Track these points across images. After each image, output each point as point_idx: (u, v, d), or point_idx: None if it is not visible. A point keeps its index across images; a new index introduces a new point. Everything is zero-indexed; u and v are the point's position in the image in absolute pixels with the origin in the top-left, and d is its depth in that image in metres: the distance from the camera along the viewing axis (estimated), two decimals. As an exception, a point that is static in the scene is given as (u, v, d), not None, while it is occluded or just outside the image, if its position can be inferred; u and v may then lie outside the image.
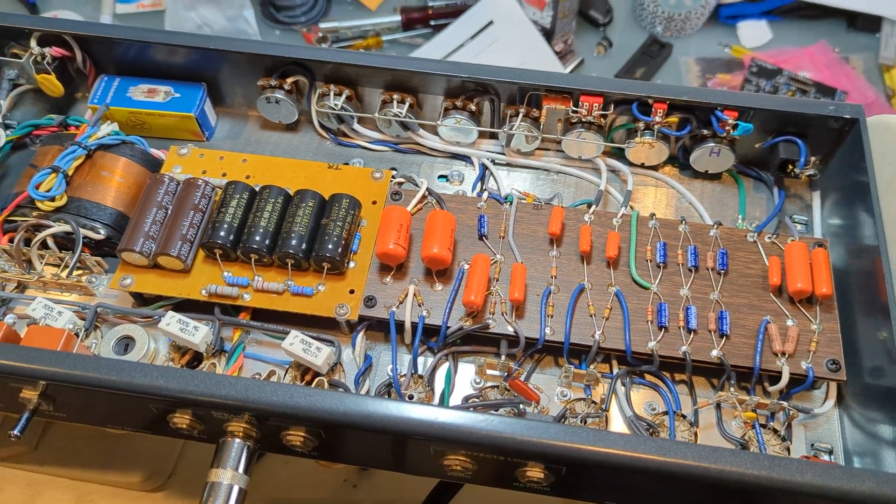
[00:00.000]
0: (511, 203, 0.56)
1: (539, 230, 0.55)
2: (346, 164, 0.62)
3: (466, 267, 0.53)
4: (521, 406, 0.47)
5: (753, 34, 1.04)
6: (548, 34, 0.99)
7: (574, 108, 0.57)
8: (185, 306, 0.54)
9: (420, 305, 0.52)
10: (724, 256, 0.53)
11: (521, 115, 0.58)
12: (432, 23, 1.04)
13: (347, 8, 1.09)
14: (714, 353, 0.50)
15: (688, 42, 1.04)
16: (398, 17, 1.05)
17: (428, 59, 0.58)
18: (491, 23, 0.99)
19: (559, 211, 0.54)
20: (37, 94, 0.66)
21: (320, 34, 1.02)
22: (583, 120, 0.58)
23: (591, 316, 0.51)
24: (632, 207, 0.58)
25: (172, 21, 1.05)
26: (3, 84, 0.62)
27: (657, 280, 0.53)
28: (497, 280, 0.53)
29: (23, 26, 0.60)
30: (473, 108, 0.59)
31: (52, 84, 0.61)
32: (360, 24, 1.06)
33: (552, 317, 0.51)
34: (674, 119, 0.56)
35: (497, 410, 0.47)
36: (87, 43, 0.61)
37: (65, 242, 0.56)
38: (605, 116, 0.57)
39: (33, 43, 0.60)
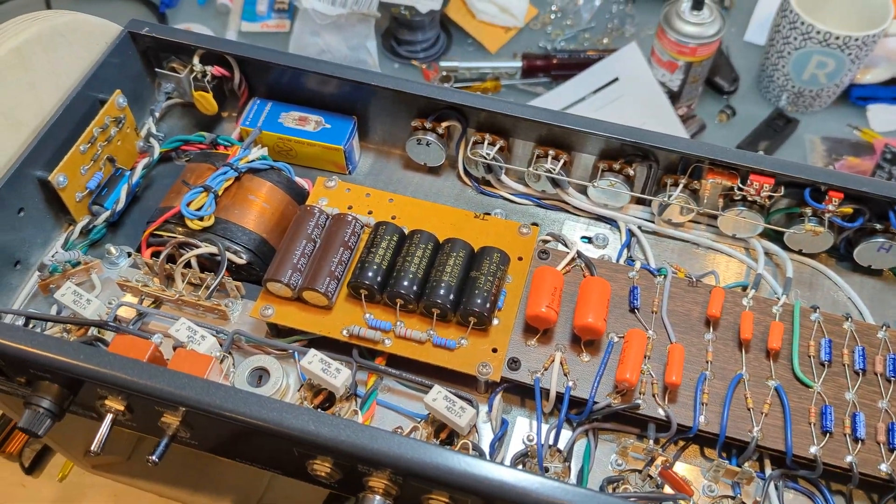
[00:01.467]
0: (665, 277, 0.53)
1: (694, 309, 0.52)
2: (488, 214, 0.61)
3: (616, 339, 0.51)
4: (676, 502, 0.45)
5: (885, 118, 1.01)
6: (673, 97, 0.97)
7: (740, 186, 0.55)
8: (319, 342, 0.53)
9: (566, 375, 0.50)
10: (896, 363, 0.50)
11: (680, 186, 0.56)
12: (553, 72, 1.03)
13: (468, 49, 1.09)
14: (883, 467, 0.46)
15: (814, 119, 1.01)
16: (518, 63, 1.04)
17: (590, 118, 0.56)
18: (616, 79, 0.98)
19: (719, 292, 0.52)
20: (184, 109, 0.66)
21: (443, 73, 1.02)
22: (747, 198, 0.55)
23: (749, 409, 0.48)
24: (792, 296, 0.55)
25: (297, 44, 1.06)
26: (159, 96, 0.63)
27: (821, 379, 0.49)
28: (648, 358, 0.50)
29: (189, 42, 0.60)
30: (631, 172, 0.57)
31: (207, 102, 0.62)
32: (480, 66, 1.06)
33: (706, 405, 0.48)
34: (847, 210, 0.54)
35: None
36: (245, 65, 0.62)
37: (205, 262, 0.55)
38: (771, 197, 0.55)
39: (196, 60, 0.61)
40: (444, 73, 1.01)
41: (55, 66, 0.56)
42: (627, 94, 0.97)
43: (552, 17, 1.12)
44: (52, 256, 0.54)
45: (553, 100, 0.99)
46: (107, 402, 0.46)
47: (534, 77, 1.04)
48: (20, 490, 0.74)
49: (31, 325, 0.52)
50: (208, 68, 0.61)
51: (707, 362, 0.50)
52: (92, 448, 0.45)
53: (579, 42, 1.09)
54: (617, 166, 0.57)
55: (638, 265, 0.54)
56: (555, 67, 1.02)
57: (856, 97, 1.02)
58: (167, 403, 0.44)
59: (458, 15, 1.11)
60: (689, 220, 0.59)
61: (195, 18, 1.12)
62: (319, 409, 0.50)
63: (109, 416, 0.46)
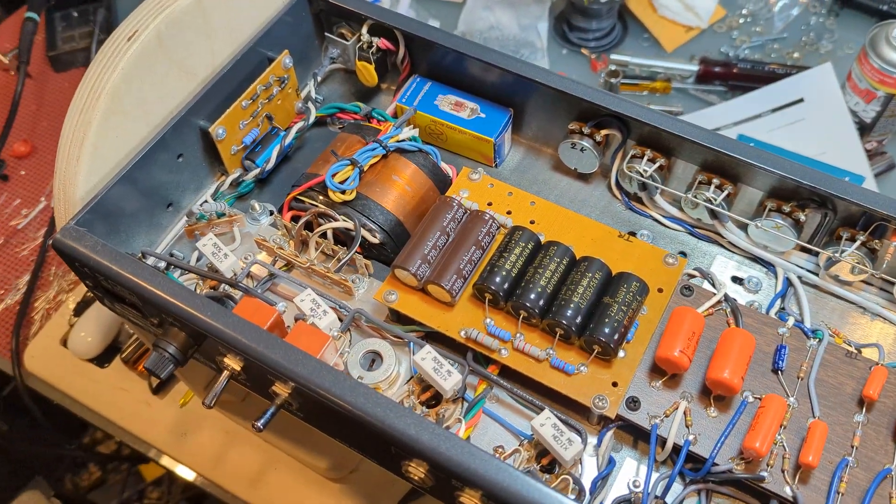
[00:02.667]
0: (820, 340, 0.48)
1: (847, 384, 0.47)
2: (633, 234, 0.57)
3: (751, 399, 0.47)
4: None
5: None
6: (863, 129, 0.87)
7: (932, 256, 0.48)
8: (435, 336, 0.52)
9: (688, 427, 0.46)
10: None
11: (857, 243, 0.50)
12: (731, 82, 0.96)
13: (642, 44, 1.03)
14: None
15: None
16: (695, 67, 0.97)
17: (767, 152, 0.51)
18: (801, 100, 0.89)
19: (881, 372, 0.46)
20: (345, 75, 0.66)
21: (612, 67, 0.97)
22: (936, 271, 0.48)
23: (892, 511, 0.43)
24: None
25: (468, 17, 1.04)
26: (324, 61, 0.63)
27: None
28: (784, 427, 0.45)
29: (360, 11, 0.60)
30: (803, 218, 0.51)
31: (369, 74, 0.61)
32: (652, 65, 1.00)
33: (842, 494, 0.43)
34: None
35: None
36: (411, 41, 0.61)
37: (340, 235, 0.55)
38: (966, 275, 0.48)
39: (364, 30, 0.60)
40: (613, 68, 0.96)
41: (232, 20, 0.57)
42: (810, 118, 0.88)
43: (740, 21, 1.04)
44: (201, 205, 0.56)
45: (726, 112, 0.92)
46: (226, 359, 0.47)
47: (709, 84, 0.97)
48: (145, 408, 0.79)
49: (171, 267, 0.55)
50: (375, 40, 0.60)
51: (852, 447, 0.45)
52: (205, 401, 0.47)
53: (766, 52, 1.00)
54: (787, 208, 0.52)
55: (791, 321, 0.49)
56: (734, 77, 0.95)
57: None
58: (278, 375, 0.44)
59: (638, 7, 1.05)
60: (860, 281, 0.52)
61: (373, -22, 1.13)
62: (424, 407, 0.49)
63: (225, 373, 0.47)
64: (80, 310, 0.85)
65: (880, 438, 0.45)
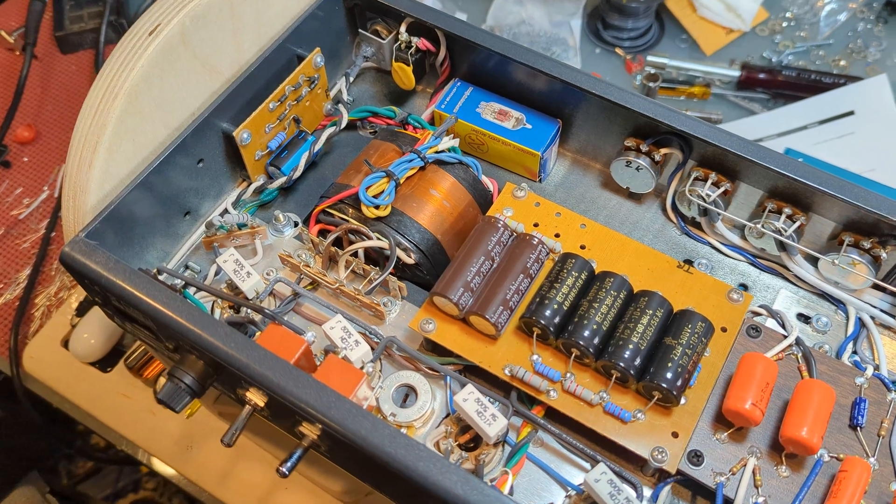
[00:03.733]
0: (902, 394, 0.44)
1: (932, 444, 0.42)
2: (690, 262, 0.53)
3: (827, 458, 0.42)
4: None
5: None
6: (917, 146, 0.83)
7: None
8: (474, 369, 0.47)
9: (757, 487, 0.42)
10: None
11: (945, 287, 0.45)
12: (774, 90, 0.91)
13: (680, 45, 0.98)
14: None
15: None
16: (737, 73, 0.92)
17: (846, 181, 0.46)
18: (851, 112, 0.85)
19: (975, 435, 0.41)
20: (377, 74, 0.62)
21: (649, 69, 0.92)
22: None
23: None
24: None
25: (498, 11, 0.99)
26: (357, 60, 0.58)
27: None
28: (866, 493, 0.41)
29: (400, 8, 0.55)
30: (884, 255, 0.47)
31: (405, 76, 0.56)
32: (690, 68, 0.95)
33: (930, 572, 0.39)
34: None
35: None
36: (453, 41, 0.56)
37: (371, 253, 0.51)
38: None
39: (402, 28, 0.56)
40: (652, 71, 0.91)
41: (261, 14, 0.52)
42: (861, 131, 0.84)
43: (784, 24, 0.99)
44: (222, 216, 0.51)
45: (771, 121, 0.87)
46: (248, 393, 0.43)
47: (751, 91, 0.92)
48: (149, 417, 0.75)
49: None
50: (414, 40, 0.55)
51: (939, 517, 0.41)
52: (224, 438, 0.42)
53: (810, 59, 0.95)
54: (867, 244, 0.47)
55: (869, 371, 0.45)
56: (778, 85, 0.90)
57: None
58: (307, 416, 0.40)
59: (676, 6, 1.00)
60: (941, 325, 0.48)
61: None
62: (462, 451, 0.45)
63: (248, 408, 0.43)
64: (82, 309, 0.80)
65: (970, 508, 0.41)
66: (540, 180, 0.57)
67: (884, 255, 0.47)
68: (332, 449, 0.43)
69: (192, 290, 0.50)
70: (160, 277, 0.48)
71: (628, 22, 0.96)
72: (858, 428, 0.43)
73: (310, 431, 0.41)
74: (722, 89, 0.93)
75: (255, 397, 0.42)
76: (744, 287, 0.52)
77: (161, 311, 0.42)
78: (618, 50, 0.97)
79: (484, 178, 0.54)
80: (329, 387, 0.40)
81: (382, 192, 0.50)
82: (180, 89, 0.48)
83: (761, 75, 0.90)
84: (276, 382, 0.40)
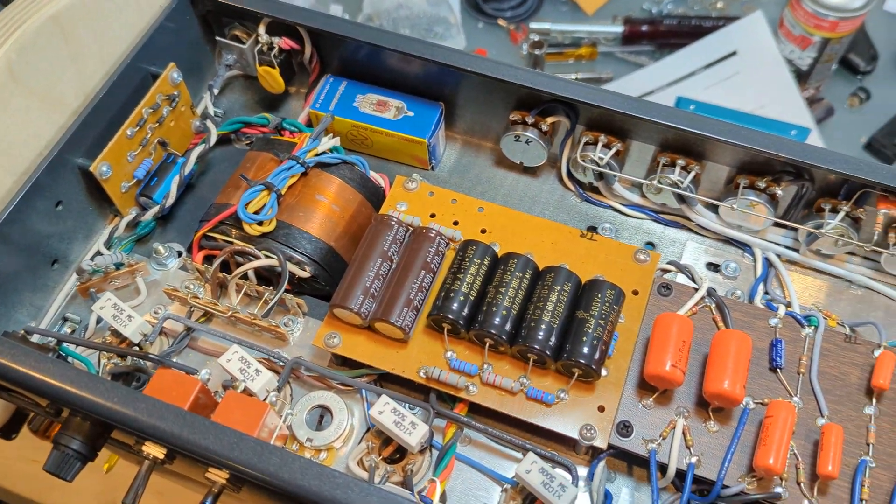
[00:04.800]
0: (815, 328, 0.43)
1: (851, 372, 0.42)
2: (594, 228, 0.52)
3: (752, 405, 0.42)
4: None
5: None
6: (800, 77, 0.84)
7: (923, 221, 0.44)
8: (390, 376, 0.45)
9: (689, 448, 0.41)
10: None
11: (841, 214, 0.45)
12: (659, 41, 0.91)
13: (561, 9, 0.97)
14: None
15: (966, 108, 0.87)
16: (619, 28, 0.92)
17: (735, 125, 0.45)
18: (734, 53, 0.85)
19: (890, 358, 0.41)
20: (246, 83, 0.58)
21: (533, 37, 0.91)
22: (928, 236, 0.44)
23: (922, 513, 0.39)
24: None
25: (373, -2, 0.96)
26: (219, 70, 0.54)
27: None
28: (794, 433, 0.41)
29: (255, 9, 0.51)
30: (779, 192, 0.47)
31: (273, 79, 0.53)
32: (574, 30, 0.94)
33: (866, 502, 0.39)
34: None
35: None
36: (318, 37, 0.53)
37: (264, 273, 0.48)
38: (959, 237, 0.44)
39: (262, 30, 0.52)
40: (537, 38, 0.89)
41: (101, 35, 0.48)
42: (745, 70, 0.84)
43: (660, -26, 0.99)
44: (92, 260, 0.47)
45: (655, 74, 0.87)
46: (145, 447, 0.39)
47: (636, 45, 0.92)
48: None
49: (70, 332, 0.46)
50: (275, 40, 0.52)
51: (868, 445, 0.40)
52: (126, 500, 0.39)
53: (689, 5, 0.95)
54: (762, 184, 0.47)
55: (782, 310, 0.44)
56: (661, 35, 0.90)
57: None
58: (211, 462, 0.37)
59: (552, -31, 0.99)
60: (843, 252, 0.48)
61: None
62: (388, 465, 0.42)
63: (147, 463, 0.39)
64: (-25, 377, 0.74)
65: (896, 431, 0.41)
66: (432, 168, 0.54)
67: (779, 191, 0.47)
68: (247, 489, 0.40)
69: (72, 346, 0.46)
70: (31, 339, 0.44)
71: (506, -9, 0.95)
72: (779, 369, 0.43)
73: (218, 476, 0.38)
74: (608, 47, 0.93)
75: (153, 450, 0.39)
76: (651, 245, 0.51)
77: (29, 376, 0.38)
78: (500, 21, 0.96)
79: (373, 175, 0.52)
80: (229, 426, 0.37)
81: (264, 206, 0.47)
82: (20, 130, 0.44)
83: (644, 27, 0.90)
84: (168, 432, 0.37)
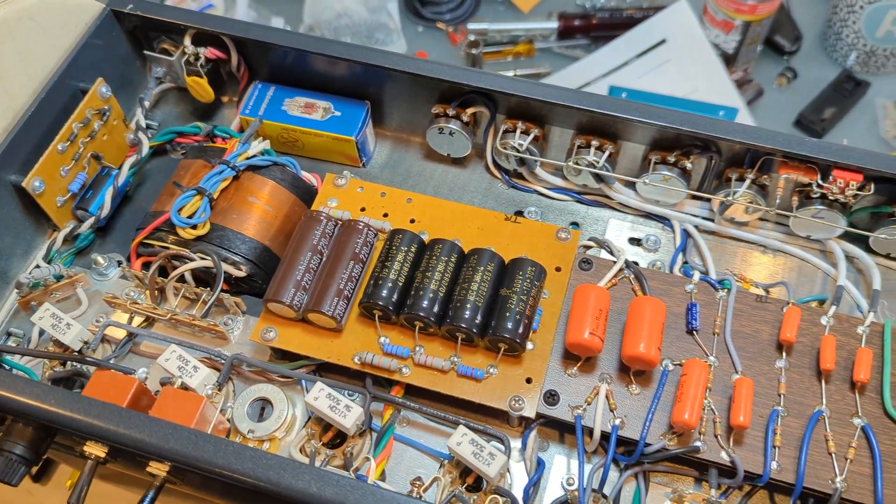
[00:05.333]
0: (728, 291, 0.46)
1: (763, 330, 0.45)
2: (521, 212, 0.54)
3: (671, 367, 0.44)
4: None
5: (969, 79, 0.90)
6: (728, 60, 0.87)
7: (820, 183, 0.46)
8: (329, 366, 0.46)
9: (612, 411, 0.43)
10: None
11: (747, 182, 0.48)
12: (593, 34, 0.94)
13: (498, 8, 1.00)
14: None
15: (887, 81, 0.90)
16: (555, 24, 0.95)
17: (640, 104, 0.48)
18: (663, 41, 0.88)
19: (795, 313, 0.44)
20: (180, 93, 0.59)
21: (470, 37, 0.93)
22: (828, 196, 0.47)
23: (831, 454, 0.41)
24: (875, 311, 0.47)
25: (312, 8, 0.98)
26: (149, 82, 0.56)
27: (917, 417, 0.42)
28: (710, 389, 0.43)
29: (178, 21, 0.53)
30: (689, 165, 0.49)
31: (202, 89, 0.55)
32: (511, 28, 0.96)
33: (779, 448, 0.41)
34: (951, 210, 0.45)
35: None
36: (243, 45, 0.54)
37: (201, 275, 0.49)
38: (856, 196, 0.46)
39: (187, 41, 0.54)
40: (473, 38, 0.92)
41: (26, 54, 0.49)
42: (676, 57, 0.87)
43: (591, -30, 1.02)
44: (30, 273, 0.48)
45: (592, 65, 0.89)
46: (86, 447, 0.40)
47: (571, 39, 0.95)
48: (28, 498, 0.71)
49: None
50: (201, 50, 0.54)
51: (779, 395, 0.43)
52: (71, 500, 0.40)
53: (621, -2, 0.98)
54: (672, 158, 0.49)
55: (696, 276, 0.47)
56: (594, 28, 0.93)
57: (935, 55, 0.91)
58: (149, 455, 0.38)
59: (487, -29, 1.01)
60: (756, 219, 0.51)
61: (204, -18, 1.04)
62: (328, 449, 0.44)
63: (90, 463, 0.40)
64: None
65: (805, 380, 0.43)
66: (363, 165, 0.56)
67: (689, 165, 0.49)
68: (188, 482, 0.41)
69: (16, 357, 0.47)
70: (-28, 351, 0.45)
71: (443, -5, 0.97)
72: (695, 332, 0.45)
73: (159, 469, 0.39)
74: (545, 43, 0.96)
75: (94, 449, 0.40)
76: (575, 225, 0.53)
77: (-32, 386, 0.39)
78: (440, 24, 0.98)
79: (306, 175, 0.53)
80: (166, 419, 0.38)
81: (196, 210, 0.48)
82: (-51, 150, 0.45)
83: (577, 22, 0.93)
84: (106, 429, 0.38)
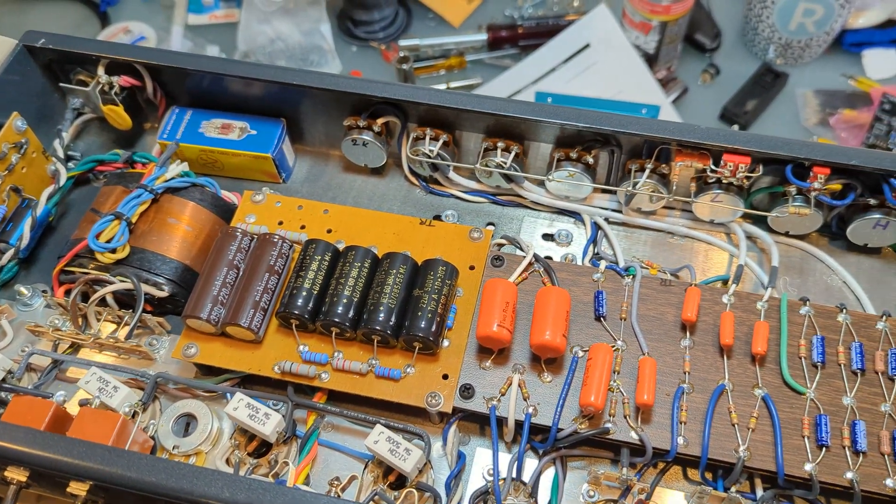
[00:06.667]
0: (634, 277, 0.48)
1: (668, 312, 0.46)
2: (439, 216, 0.55)
3: (581, 354, 0.45)
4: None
5: (881, 65, 0.93)
6: (650, 60, 0.90)
7: (713, 168, 0.48)
8: (253, 378, 0.47)
9: (525, 399, 0.44)
10: (899, 359, 0.44)
11: (647, 172, 0.50)
12: (521, 43, 0.96)
13: (429, 24, 1.02)
14: (889, 482, 0.41)
15: (805, 72, 0.94)
16: (484, 36, 0.97)
17: (541, 104, 0.50)
18: (587, 46, 0.91)
19: (695, 293, 0.46)
20: (102, 123, 0.60)
21: (401, 53, 0.95)
22: (722, 181, 0.49)
23: (734, 425, 0.43)
24: (775, 287, 0.49)
25: (245, 34, 0.99)
26: (66, 113, 0.57)
27: (814, 384, 0.44)
28: (618, 373, 0.44)
29: (90, 52, 0.54)
30: (591, 160, 0.51)
31: (119, 117, 0.56)
32: (443, 43, 0.99)
33: (685, 423, 0.43)
34: (836, 186, 0.47)
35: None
36: (158, 72, 0.55)
37: (125, 298, 0.50)
38: (749, 178, 0.48)
39: (101, 71, 0.55)
40: (402, 55, 0.94)
41: (-64, 92, 0.50)
42: (601, 60, 0.90)
43: (517, -19, 1.04)
44: (-50, 308, 0.49)
45: (521, 73, 0.92)
46: (7, 472, 0.41)
47: (501, 49, 0.97)
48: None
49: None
50: (115, 79, 0.55)
51: (685, 373, 0.44)
52: (-6, 527, 0.40)
53: (548, 7, 1.01)
54: (574, 154, 0.51)
55: (603, 265, 0.48)
56: (522, 37, 0.95)
57: (849, 43, 0.94)
58: (68, 475, 0.38)
59: (416, -12, 1.04)
60: (662, 208, 0.53)
61: (139, 15, 1.05)
62: (252, 458, 0.45)
63: (13, 488, 0.41)
64: None
65: (709, 357, 0.45)
66: (284, 181, 0.57)
67: (591, 159, 0.51)
68: (111, 500, 0.41)
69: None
70: None
71: (374, 14, 0.99)
72: (602, 318, 0.46)
73: (79, 490, 0.40)
74: (476, 55, 0.98)
75: (16, 474, 0.40)
76: (492, 225, 0.55)
77: None
78: (373, 43, 1.00)
79: (226, 194, 0.54)
80: (83, 438, 0.39)
81: (114, 235, 0.49)
82: None
83: (503, 32, 0.96)
84: (22, 451, 0.38)
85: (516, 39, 0.96)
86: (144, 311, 0.49)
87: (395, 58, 0.97)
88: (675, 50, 0.91)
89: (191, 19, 1.04)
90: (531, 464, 0.45)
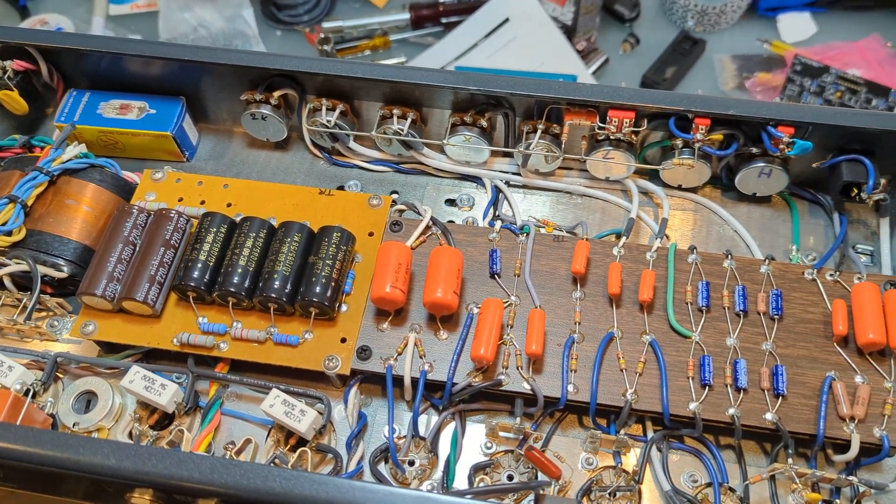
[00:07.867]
0: (528, 234, 0.49)
1: (560, 267, 0.48)
2: (342, 187, 0.55)
3: (476, 311, 0.46)
4: (541, 489, 0.40)
5: (796, 28, 0.95)
6: (569, 32, 0.91)
7: (601, 125, 0.49)
8: (157, 353, 0.47)
9: (422, 357, 0.45)
10: (779, 299, 0.45)
11: (539, 132, 0.51)
12: (443, 20, 0.97)
13: (353, 6, 1.02)
14: (768, 416, 0.42)
15: (722, 38, 0.95)
16: (407, 15, 0.97)
17: (431, 69, 0.51)
18: (507, 20, 0.92)
19: (584, 246, 0.47)
20: (2, 111, 0.59)
21: (322, 35, 0.95)
22: (611, 137, 0.50)
23: (622, 371, 0.44)
24: (667, 237, 0.51)
25: (167, 23, 0.98)
26: (-40, 102, 0.56)
27: (699, 327, 0.45)
28: (511, 326, 0.45)
29: (-22, 37, 0.53)
30: (485, 123, 0.52)
31: (15, 102, 0.55)
32: (367, 23, 0.99)
33: (576, 371, 0.44)
34: (718, 136, 0.49)
35: (513, 495, 0.40)
36: (53, 55, 0.55)
37: (24, 282, 0.49)
38: (636, 133, 0.50)
39: (-8, 55, 0.54)
40: (324, 35, 0.94)
41: None
42: (520, 34, 0.91)
43: (440, -40, 1.05)
44: None
45: (443, 50, 0.92)
46: None
47: (424, 28, 0.97)
48: None
49: None
50: (7, 63, 0.54)
51: (576, 324, 0.46)
52: None
53: (472, -16, 1.01)
54: (469, 119, 0.52)
55: (498, 225, 0.49)
56: (443, 14, 0.95)
57: (764, 8, 0.96)
58: (-46, 453, 0.38)
59: (339, -30, 1.03)
60: (560, 168, 0.54)
61: (59, 7, 1.04)
62: (154, 430, 0.45)
63: None
64: None
65: (598, 307, 0.46)
66: (187, 159, 0.57)
67: (485, 122, 0.52)
68: (7, 475, 0.41)
69: None
70: None
71: (296, -3, 0.99)
72: (497, 276, 0.47)
73: (-30, 469, 0.40)
74: (400, 34, 0.98)
75: None
76: (395, 193, 0.55)
77: None
78: (297, 27, 1.00)
79: (128, 174, 0.54)
80: (-31, 417, 0.39)
81: (9, 218, 0.49)
82: None
83: (425, 11, 0.96)
84: None
85: (438, 17, 0.96)
86: (44, 292, 0.49)
87: (318, 40, 0.97)
88: (594, 21, 0.92)
89: (112, 9, 1.03)
90: (433, 421, 0.45)
